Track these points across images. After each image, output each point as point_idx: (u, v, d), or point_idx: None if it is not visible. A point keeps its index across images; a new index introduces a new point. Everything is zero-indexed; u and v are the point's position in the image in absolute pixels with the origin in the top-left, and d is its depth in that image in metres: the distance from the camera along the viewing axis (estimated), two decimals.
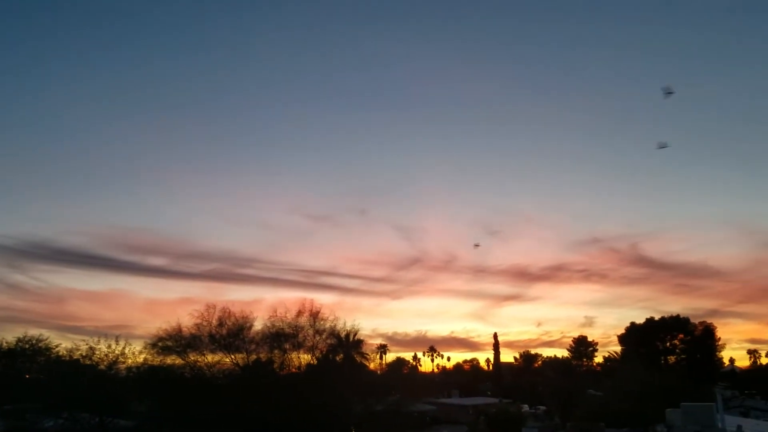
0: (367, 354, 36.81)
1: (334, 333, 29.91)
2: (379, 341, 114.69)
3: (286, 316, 28.39)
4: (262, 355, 28.57)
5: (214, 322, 27.64)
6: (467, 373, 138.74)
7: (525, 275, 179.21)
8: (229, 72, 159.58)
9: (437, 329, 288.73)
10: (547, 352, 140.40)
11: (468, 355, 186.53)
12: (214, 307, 27.84)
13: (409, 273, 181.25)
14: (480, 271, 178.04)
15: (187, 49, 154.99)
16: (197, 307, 27.98)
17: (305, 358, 28.64)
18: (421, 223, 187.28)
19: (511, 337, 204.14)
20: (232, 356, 27.31)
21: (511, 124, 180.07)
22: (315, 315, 28.81)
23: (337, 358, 31.40)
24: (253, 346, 27.48)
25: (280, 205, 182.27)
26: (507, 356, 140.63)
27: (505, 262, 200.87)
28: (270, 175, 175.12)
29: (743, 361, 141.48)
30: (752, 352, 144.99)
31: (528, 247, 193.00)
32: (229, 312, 27.72)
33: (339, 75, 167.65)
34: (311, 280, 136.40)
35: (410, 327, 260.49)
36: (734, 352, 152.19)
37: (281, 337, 27.71)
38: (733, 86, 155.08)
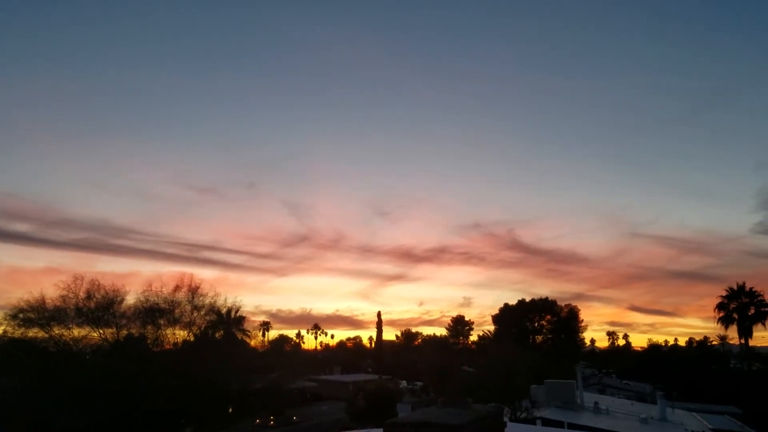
0: (249, 331, 36.01)
1: (213, 309, 28.88)
2: (262, 318, 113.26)
3: (162, 291, 27.00)
4: (133, 331, 27.05)
5: (82, 294, 25.69)
6: (350, 351, 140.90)
7: (410, 256, 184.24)
8: (106, 30, 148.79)
9: (322, 307, 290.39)
10: (427, 331, 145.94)
11: (352, 333, 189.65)
12: (83, 278, 25.85)
13: (296, 250, 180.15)
14: (367, 251, 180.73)
15: (62, 4, 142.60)
16: (64, 278, 25.94)
17: (181, 334, 27.44)
18: (310, 200, 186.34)
19: (394, 316, 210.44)
20: (101, 331, 25.58)
21: (405, 106, 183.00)
22: (194, 290, 27.62)
23: (217, 335, 30.47)
24: (124, 321, 25.85)
25: (161, 174, 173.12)
26: (389, 334, 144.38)
27: (392, 242, 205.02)
28: (150, 142, 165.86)
29: (603, 342, 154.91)
30: (611, 334, 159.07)
31: (414, 229, 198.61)
32: (99, 284, 25.88)
33: (228, 40, 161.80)
34: (192, 254, 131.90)
35: (295, 304, 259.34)
36: (595, 334, 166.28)
37: (155, 312, 26.31)
38: (604, 81, 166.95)
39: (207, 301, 28.58)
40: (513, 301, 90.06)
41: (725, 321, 65.15)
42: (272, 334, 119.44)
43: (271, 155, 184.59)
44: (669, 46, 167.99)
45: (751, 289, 64.48)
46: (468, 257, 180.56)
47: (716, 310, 65.85)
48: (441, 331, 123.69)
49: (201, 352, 26.50)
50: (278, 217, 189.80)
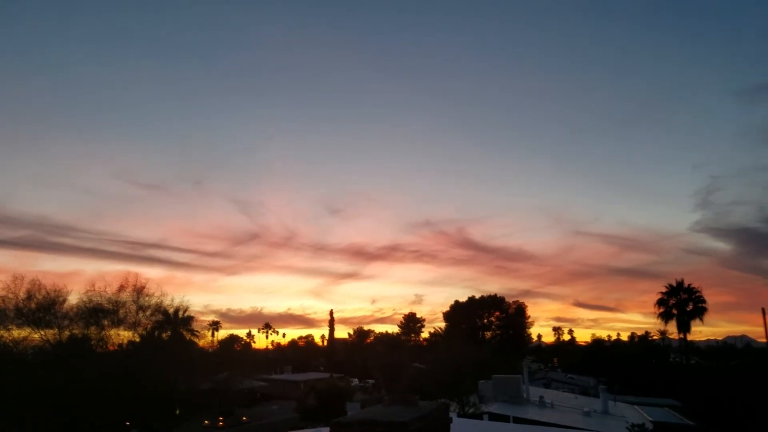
0: (197, 331, 35.37)
1: (160, 309, 28.27)
2: (211, 318, 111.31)
3: (105, 291, 26.26)
4: (76, 332, 26.26)
5: (22, 294, 24.79)
6: (301, 350, 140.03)
7: (362, 254, 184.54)
8: (45, 23, 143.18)
9: (274, 306, 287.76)
10: (379, 328, 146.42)
11: (304, 332, 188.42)
12: (23, 278, 24.94)
13: (246, 248, 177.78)
14: (320, 249, 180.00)
15: None
16: (3, 278, 24.98)
17: (126, 335, 26.77)
18: (261, 197, 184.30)
19: (347, 314, 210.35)
20: (42, 332, 24.74)
21: (356, 103, 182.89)
22: (139, 290, 26.97)
23: (163, 336, 29.81)
24: (66, 322, 25.04)
25: (104, 170, 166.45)
26: (342, 332, 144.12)
27: (345, 240, 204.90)
28: (92, 136, 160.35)
29: (549, 337, 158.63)
30: (556, 329, 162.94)
31: (367, 227, 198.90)
32: (40, 284, 25.01)
33: (175, 33, 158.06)
34: (138, 252, 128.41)
35: (246, 303, 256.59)
36: (541, 329, 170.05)
37: (99, 312, 25.59)
38: (552, 83, 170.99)
39: (153, 301, 27.99)
40: (463, 298, 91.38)
41: (665, 316, 67.63)
42: (222, 333, 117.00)
43: (220, 151, 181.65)
44: (615, 51, 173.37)
45: (689, 285, 67.13)
46: (420, 255, 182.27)
47: (656, 305, 68.26)
48: (393, 329, 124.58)
49: (147, 353, 25.90)
50: (227, 215, 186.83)
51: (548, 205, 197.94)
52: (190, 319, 34.42)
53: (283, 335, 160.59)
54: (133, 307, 27.02)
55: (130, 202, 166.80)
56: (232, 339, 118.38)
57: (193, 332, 35.30)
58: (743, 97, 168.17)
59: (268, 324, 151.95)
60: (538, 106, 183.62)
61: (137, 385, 23.62)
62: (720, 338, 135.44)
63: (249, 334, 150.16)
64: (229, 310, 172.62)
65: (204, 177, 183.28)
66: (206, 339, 42.38)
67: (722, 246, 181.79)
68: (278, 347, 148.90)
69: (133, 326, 27.10)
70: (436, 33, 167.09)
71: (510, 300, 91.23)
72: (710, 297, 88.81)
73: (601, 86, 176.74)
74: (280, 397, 69.38)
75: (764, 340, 68.83)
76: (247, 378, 64.71)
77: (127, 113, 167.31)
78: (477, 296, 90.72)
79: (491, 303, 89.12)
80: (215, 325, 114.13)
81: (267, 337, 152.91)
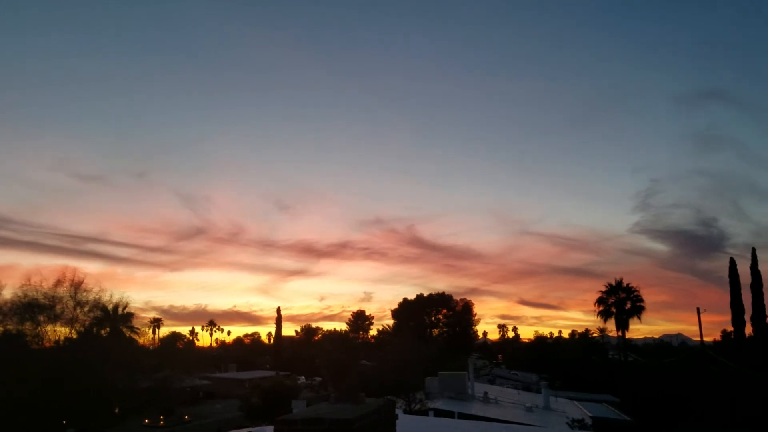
0: (138, 328, 34.49)
1: (98, 305, 27.35)
2: (153, 315, 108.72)
3: (42, 285, 25.23)
4: (10, 327, 25.21)
5: None
6: (247, 347, 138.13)
7: (311, 251, 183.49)
8: None
9: (219, 303, 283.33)
10: (328, 326, 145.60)
11: (250, 329, 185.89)
12: None
13: (190, 244, 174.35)
14: (267, 246, 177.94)
15: None
16: None
17: (63, 331, 25.80)
18: (207, 191, 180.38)
19: (295, 312, 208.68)
20: None
21: (308, 100, 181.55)
22: (77, 285, 26.02)
23: (102, 333, 28.87)
24: None
25: (41, 160, 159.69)
26: (289, 330, 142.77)
27: (293, 237, 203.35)
28: (29, 126, 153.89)
29: (494, 335, 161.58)
30: (501, 327, 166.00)
31: (316, 224, 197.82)
32: None
33: (117, 20, 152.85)
34: (76, 246, 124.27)
35: (189, 300, 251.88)
36: (487, 326, 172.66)
37: (34, 307, 24.59)
38: (500, 85, 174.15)
39: (91, 296, 27.10)
40: (412, 296, 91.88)
41: (604, 314, 69.90)
42: (164, 331, 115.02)
43: (164, 143, 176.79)
44: (560, 53, 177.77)
45: (628, 284, 69.58)
46: (369, 252, 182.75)
47: (596, 304, 70.47)
48: (342, 326, 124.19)
49: (84, 350, 25.02)
50: (171, 209, 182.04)
51: (495, 205, 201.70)
52: (130, 315, 33.55)
53: (228, 333, 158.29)
54: (71, 303, 26.08)
55: (70, 194, 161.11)
56: (175, 337, 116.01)
57: (133, 329, 34.42)
58: (683, 102, 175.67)
59: (212, 321, 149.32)
60: (486, 107, 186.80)
61: (74, 383, 22.79)
62: (657, 336, 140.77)
63: (192, 332, 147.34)
64: (171, 307, 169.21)
65: (147, 169, 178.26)
66: (147, 336, 41.28)
67: (660, 247, 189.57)
68: (223, 345, 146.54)
69: (70, 322, 26.16)
70: (384, 30, 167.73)
71: (457, 298, 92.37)
72: (648, 296, 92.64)
73: (547, 88, 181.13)
74: (224, 396, 68.47)
75: (699, 339, 72.14)
76: (190, 376, 63.74)
77: (66, 103, 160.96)
78: (425, 294, 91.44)
79: (439, 301, 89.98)
80: (156, 323, 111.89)
81: (211, 334, 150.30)
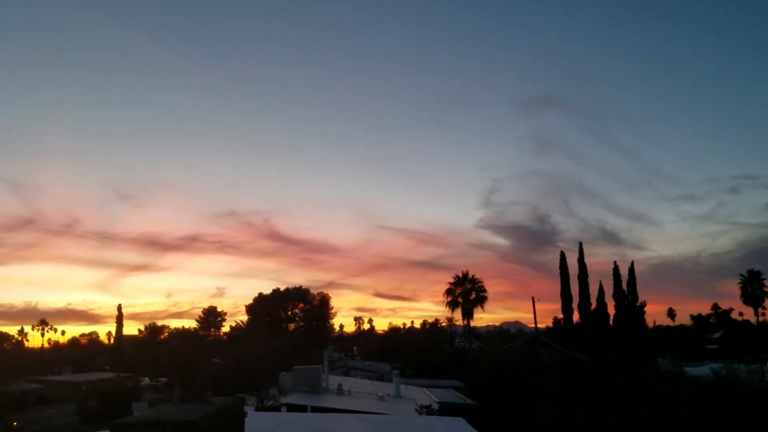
0: None
1: None
2: None
3: None
4: None
5: None
6: (84, 348, 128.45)
7: (157, 244, 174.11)
8: None
9: (51, 300, 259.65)
10: (175, 324, 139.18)
11: (87, 329, 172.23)
12: None
13: (17, 235, 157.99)
14: (107, 238, 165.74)
15: None
16: None
17: None
18: (36, 178, 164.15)
19: (138, 309, 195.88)
20: None
21: (156, 84, 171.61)
22: None
23: None
24: None
25: None
26: (132, 329, 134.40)
27: (136, 229, 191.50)
28: None
29: (350, 327, 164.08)
30: (357, 319, 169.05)
31: (163, 215, 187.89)
32: None
33: None
34: None
35: (17, 297, 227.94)
36: (344, 319, 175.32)
37: None
38: (357, 84, 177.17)
39: None
40: (268, 291, 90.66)
41: (452, 305, 73.96)
42: None
43: None
44: (414, 54, 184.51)
45: (473, 276, 74.16)
46: (222, 246, 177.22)
47: (445, 295, 74.40)
48: (191, 324, 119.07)
49: None
50: None
51: (352, 199, 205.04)
52: None
53: (63, 333, 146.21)
54: None
55: None
56: (1, 337, 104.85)
57: None
58: (523, 107, 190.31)
59: (44, 320, 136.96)
60: (344, 103, 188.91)
61: None
62: (497, 324, 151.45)
63: (21, 332, 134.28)
64: None
65: None
66: None
67: (501, 241, 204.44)
68: (56, 346, 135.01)
69: None
70: (243, 20, 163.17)
71: (315, 291, 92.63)
72: (490, 287, 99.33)
73: (401, 87, 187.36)
74: (58, 400, 63.62)
75: (533, 326, 78.44)
76: (18, 380, 58.03)
77: None
78: (282, 288, 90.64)
79: (296, 295, 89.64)
80: None
81: (43, 335, 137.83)
